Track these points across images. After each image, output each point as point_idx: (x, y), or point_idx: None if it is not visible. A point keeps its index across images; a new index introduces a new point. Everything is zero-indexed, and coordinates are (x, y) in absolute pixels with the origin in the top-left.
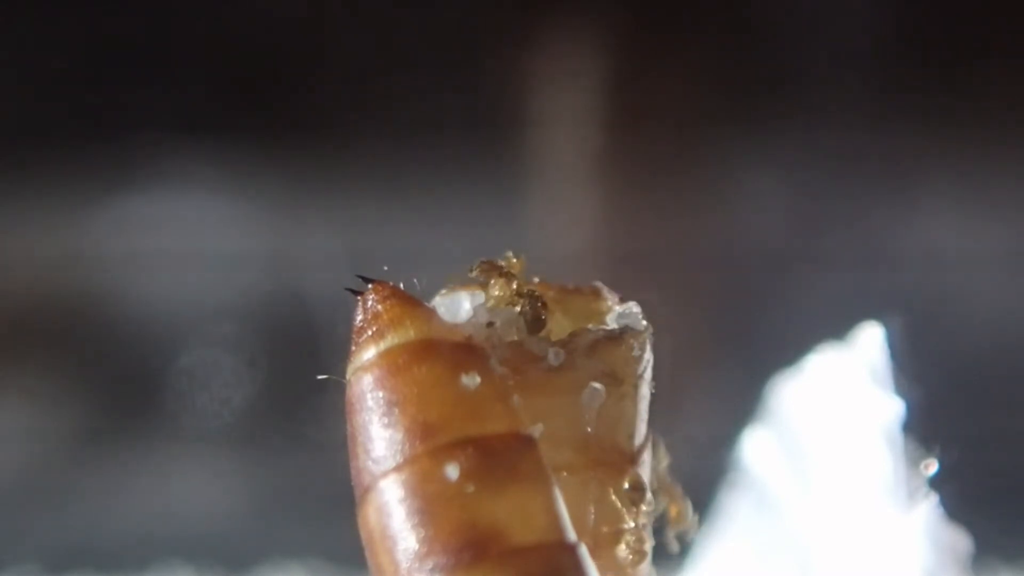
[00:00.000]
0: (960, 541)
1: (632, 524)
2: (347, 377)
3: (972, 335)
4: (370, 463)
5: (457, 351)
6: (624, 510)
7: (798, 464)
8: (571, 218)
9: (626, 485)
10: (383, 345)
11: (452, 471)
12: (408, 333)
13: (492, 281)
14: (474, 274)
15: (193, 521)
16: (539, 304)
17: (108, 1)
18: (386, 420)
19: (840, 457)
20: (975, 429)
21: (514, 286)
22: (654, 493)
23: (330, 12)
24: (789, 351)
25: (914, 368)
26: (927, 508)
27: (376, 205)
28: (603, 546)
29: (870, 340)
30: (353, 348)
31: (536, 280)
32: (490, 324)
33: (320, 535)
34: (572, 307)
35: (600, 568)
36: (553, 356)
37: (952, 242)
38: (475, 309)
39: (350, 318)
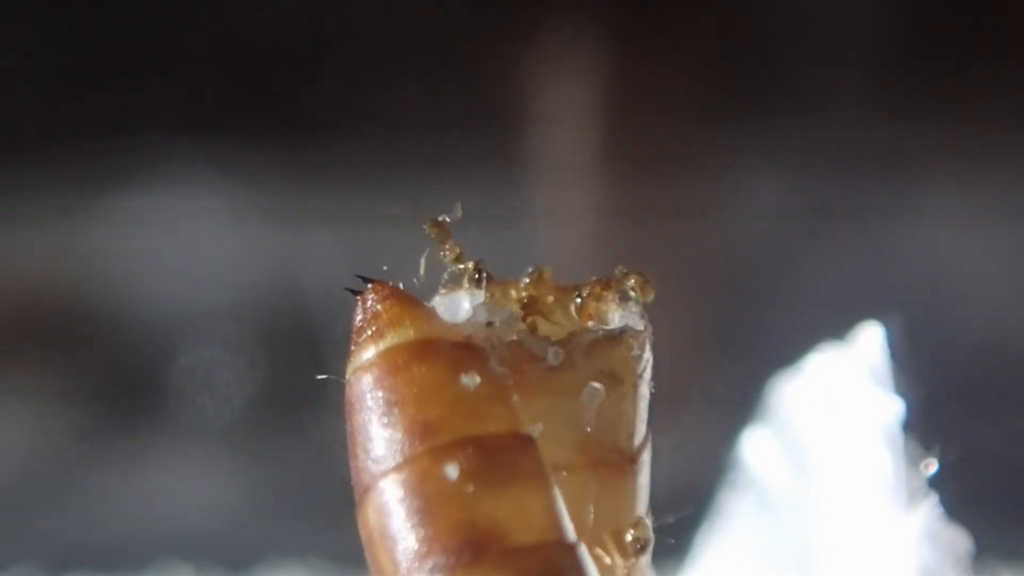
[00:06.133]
0: (960, 541)
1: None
2: (347, 377)
3: (972, 335)
4: (370, 463)
5: (457, 351)
6: (620, 555)
7: (798, 464)
8: (571, 217)
9: (630, 536)
10: (383, 345)
11: (452, 471)
12: (407, 333)
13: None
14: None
15: (193, 521)
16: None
17: (108, 1)
18: (386, 420)
19: (840, 457)
20: (975, 429)
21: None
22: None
23: (330, 12)
24: (789, 351)
25: (914, 368)
26: (927, 508)
27: (376, 205)
28: (603, 546)
29: (870, 340)
30: (352, 348)
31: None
32: (490, 324)
33: (320, 535)
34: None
35: (599, 568)
36: (553, 356)
37: (952, 242)
38: (475, 309)
39: (350, 318)
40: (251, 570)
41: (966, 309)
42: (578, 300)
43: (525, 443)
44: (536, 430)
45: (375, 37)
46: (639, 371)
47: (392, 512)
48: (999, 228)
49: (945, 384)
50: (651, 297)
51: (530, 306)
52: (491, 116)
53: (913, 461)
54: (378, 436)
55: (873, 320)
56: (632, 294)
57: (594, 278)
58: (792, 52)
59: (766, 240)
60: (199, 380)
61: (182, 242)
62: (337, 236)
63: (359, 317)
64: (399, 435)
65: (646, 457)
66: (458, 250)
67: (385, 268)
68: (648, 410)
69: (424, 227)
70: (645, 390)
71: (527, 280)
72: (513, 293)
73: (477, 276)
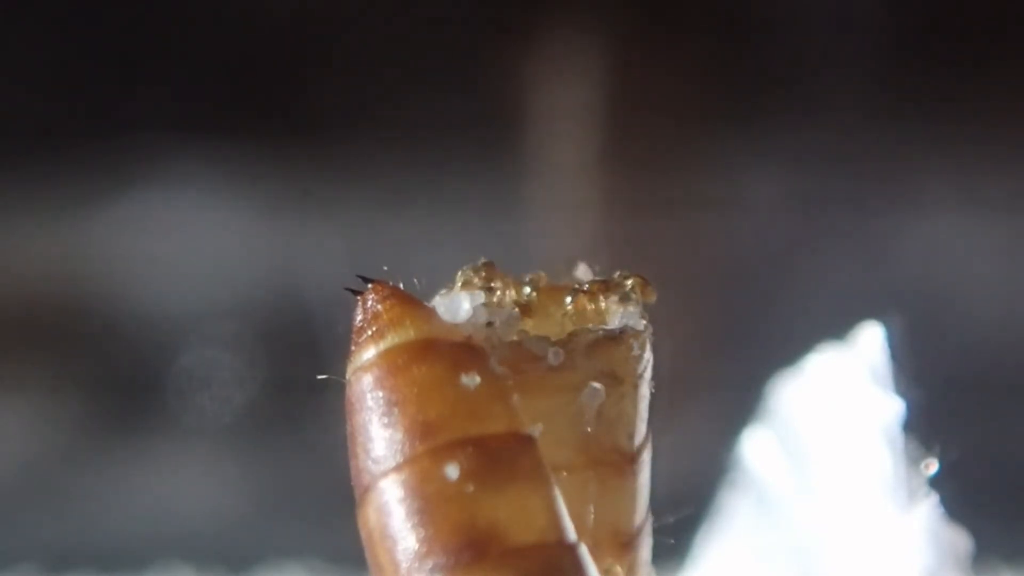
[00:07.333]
0: (960, 541)
1: None
2: (347, 377)
3: (972, 335)
4: (370, 463)
5: (457, 351)
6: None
7: (798, 464)
8: (571, 218)
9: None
10: (383, 345)
11: (452, 471)
12: (408, 333)
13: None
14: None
15: (193, 521)
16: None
17: (108, 2)
18: (386, 420)
19: (840, 457)
20: (975, 429)
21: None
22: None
23: (330, 12)
24: (789, 351)
25: (914, 368)
26: (927, 508)
27: (376, 205)
28: (603, 546)
29: (870, 340)
30: (353, 348)
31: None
32: (490, 324)
33: (320, 535)
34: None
35: (600, 568)
36: (553, 356)
37: (952, 242)
38: (475, 309)
39: (350, 318)
40: (251, 570)
41: (966, 309)
42: (569, 299)
43: (525, 443)
44: (536, 430)
45: (375, 37)
46: (639, 371)
47: (392, 512)
48: (999, 228)
49: (945, 384)
50: (653, 300)
51: (527, 307)
52: (491, 116)
53: (913, 461)
54: (378, 436)
55: (873, 320)
56: (632, 296)
57: (594, 278)
58: (792, 51)
59: (766, 240)
60: (199, 380)
61: (182, 242)
62: (337, 236)
63: (359, 317)
64: (399, 435)
65: (646, 457)
66: (496, 295)
67: (385, 268)
68: (648, 410)
69: (469, 268)
70: (645, 390)
71: (527, 288)
72: (513, 293)
73: (491, 288)
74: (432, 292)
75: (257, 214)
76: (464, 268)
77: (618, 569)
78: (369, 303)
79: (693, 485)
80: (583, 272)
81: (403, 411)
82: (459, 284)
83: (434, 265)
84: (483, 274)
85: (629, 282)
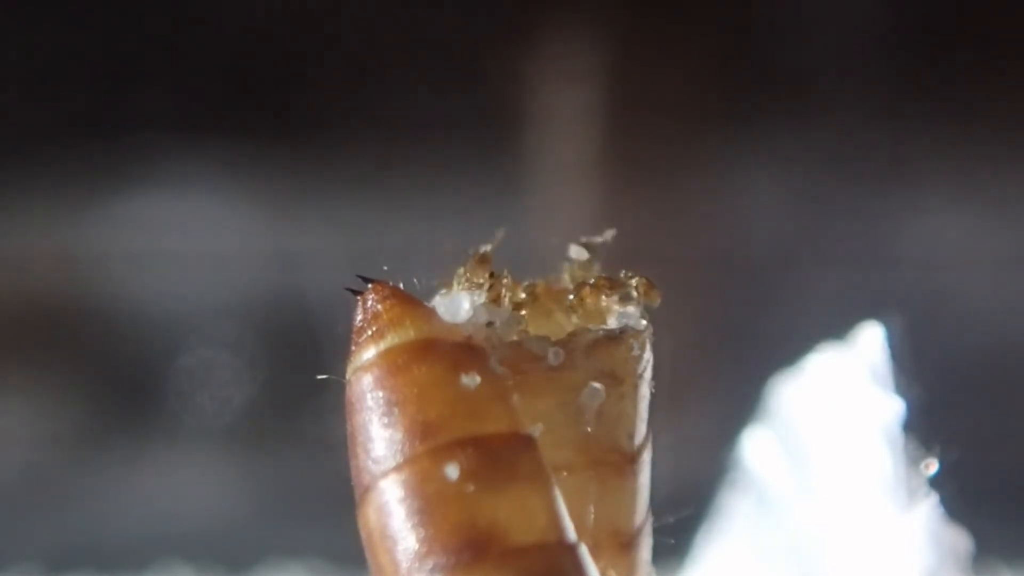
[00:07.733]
0: (960, 541)
1: None
2: (347, 377)
3: (972, 335)
4: (370, 463)
5: (457, 351)
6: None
7: (798, 464)
8: (571, 217)
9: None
10: (383, 345)
11: (452, 471)
12: (408, 333)
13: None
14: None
15: (193, 521)
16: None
17: (108, 2)
18: (386, 420)
19: (840, 457)
20: (975, 429)
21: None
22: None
23: (330, 12)
24: (789, 351)
25: (914, 368)
26: (927, 508)
27: (376, 205)
28: (603, 546)
29: (870, 340)
30: (353, 348)
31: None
32: (490, 324)
33: (320, 535)
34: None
35: (600, 568)
36: (553, 356)
37: (952, 242)
38: (475, 309)
39: (350, 318)
40: (251, 570)
41: (966, 309)
42: (571, 298)
43: (525, 443)
44: (536, 430)
45: (375, 38)
46: (639, 371)
47: (392, 512)
48: (1000, 228)
49: (945, 384)
50: (657, 302)
51: (527, 306)
52: (491, 116)
53: (913, 461)
54: (378, 436)
55: (873, 320)
56: (634, 295)
57: (599, 275)
58: (792, 52)
59: (766, 240)
60: (199, 380)
61: (182, 242)
62: (337, 236)
63: (359, 317)
64: (399, 435)
65: (646, 457)
66: (493, 289)
67: (385, 268)
68: (648, 410)
69: (467, 259)
70: (645, 390)
71: (524, 295)
72: (511, 295)
73: (491, 287)
74: (432, 292)
75: (257, 214)
76: (463, 265)
77: (611, 573)
78: (369, 303)
79: (693, 485)
80: (576, 252)
81: (403, 411)
82: (459, 284)
83: (434, 265)
84: (482, 267)
85: (633, 282)
